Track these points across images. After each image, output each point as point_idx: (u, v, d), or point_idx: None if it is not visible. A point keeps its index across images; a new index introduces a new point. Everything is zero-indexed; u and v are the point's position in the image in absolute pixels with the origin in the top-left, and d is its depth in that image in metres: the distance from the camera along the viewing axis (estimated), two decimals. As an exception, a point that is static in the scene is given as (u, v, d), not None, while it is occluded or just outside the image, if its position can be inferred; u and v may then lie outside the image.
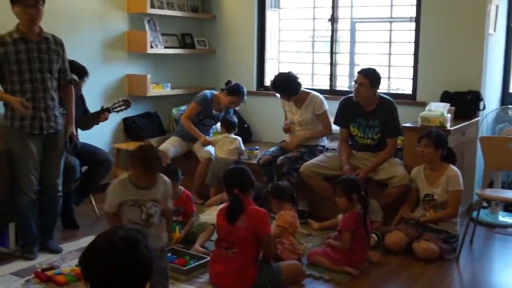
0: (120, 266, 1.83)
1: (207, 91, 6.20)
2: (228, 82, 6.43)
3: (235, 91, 6.07)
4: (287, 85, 5.63)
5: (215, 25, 7.30)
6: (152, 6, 6.41)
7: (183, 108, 6.70)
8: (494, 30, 6.05)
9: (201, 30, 7.34)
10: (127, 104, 5.41)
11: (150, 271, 1.92)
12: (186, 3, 7.03)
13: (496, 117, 5.87)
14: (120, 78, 6.38)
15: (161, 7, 6.61)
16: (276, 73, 5.92)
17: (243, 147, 6.00)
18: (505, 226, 5.48)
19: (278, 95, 5.80)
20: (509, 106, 5.99)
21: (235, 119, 6.19)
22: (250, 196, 3.99)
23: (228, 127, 6.02)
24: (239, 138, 6.00)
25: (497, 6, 6.03)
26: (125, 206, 3.30)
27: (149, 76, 6.39)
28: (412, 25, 6.24)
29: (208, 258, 4.11)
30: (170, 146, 5.94)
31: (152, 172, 3.34)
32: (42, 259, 4.34)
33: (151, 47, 6.41)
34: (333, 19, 6.70)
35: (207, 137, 6.05)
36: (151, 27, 6.57)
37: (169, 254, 4.22)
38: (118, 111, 5.42)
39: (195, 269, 4.11)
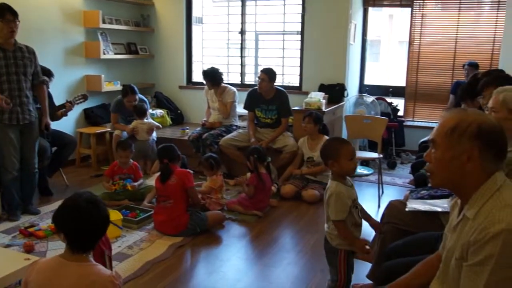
0: (86, 219, 1.84)
1: (116, 99, 5.81)
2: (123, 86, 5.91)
3: (123, 92, 5.70)
4: (213, 75, 5.68)
5: (154, 36, 7.22)
6: (104, 22, 6.25)
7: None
8: (354, 41, 6.35)
9: (143, 40, 7.23)
10: (85, 97, 5.29)
11: (107, 223, 1.94)
12: (130, 20, 6.91)
13: (355, 102, 6.16)
14: (80, 78, 6.21)
15: (110, 23, 6.45)
16: (208, 67, 5.87)
17: (155, 123, 5.76)
18: (361, 175, 5.79)
19: (204, 82, 5.77)
20: (364, 94, 6.29)
21: (144, 106, 5.67)
22: (176, 164, 4.06)
23: (139, 114, 5.60)
24: (150, 120, 5.76)
25: (355, 25, 6.33)
26: (351, 210, 2.54)
27: (103, 76, 6.27)
28: (298, 37, 6.41)
29: (153, 211, 4.15)
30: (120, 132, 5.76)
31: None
32: (25, 220, 4.21)
33: (104, 53, 6.27)
34: (242, 32, 6.80)
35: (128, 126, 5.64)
36: (103, 38, 6.42)
37: (123, 210, 4.30)
38: (78, 103, 5.28)
39: (143, 220, 4.15)
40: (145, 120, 5.66)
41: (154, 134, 5.79)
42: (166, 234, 3.93)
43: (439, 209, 2.77)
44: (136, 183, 4.76)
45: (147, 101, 5.93)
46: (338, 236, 2.57)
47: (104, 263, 2.56)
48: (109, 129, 6.16)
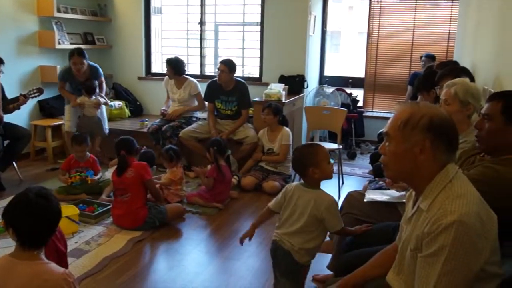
0: (37, 214, 1.81)
1: (64, 66, 5.57)
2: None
3: (69, 54, 5.30)
4: (177, 64, 5.63)
5: (112, 26, 7.05)
6: (59, 11, 6.05)
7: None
8: (313, 32, 6.38)
9: (100, 30, 7.04)
10: (40, 91, 5.14)
11: (59, 218, 1.90)
12: (87, 9, 6.72)
13: (315, 93, 6.21)
14: (34, 68, 5.99)
15: (66, 12, 6.25)
16: (169, 57, 5.77)
17: (103, 100, 5.50)
18: (323, 167, 5.85)
19: (167, 70, 5.65)
20: (324, 85, 6.35)
21: (94, 85, 5.38)
22: (134, 157, 4.00)
23: (87, 91, 5.33)
24: (97, 97, 5.39)
25: (315, 16, 6.36)
26: None
27: (58, 66, 6.04)
28: (258, 28, 6.40)
29: (111, 205, 4.08)
30: (69, 123, 5.57)
31: None
32: (-25, 216, 4.07)
33: (59, 43, 6.06)
34: (202, 23, 6.74)
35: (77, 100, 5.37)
36: (58, 27, 6.21)
37: (80, 204, 4.19)
38: (33, 97, 5.13)
39: (101, 214, 4.08)
40: (92, 98, 5.40)
41: (106, 119, 5.65)
42: (124, 228, 3.86)
43: (396, 200, 2.82)
44: (96, 177, 4.68)
45: (99, 68, 5.61)
46: (308, 252, 2.48)
47: (58, 260, 2.50)
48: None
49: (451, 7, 6.38)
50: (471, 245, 1.40)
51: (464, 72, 3.21)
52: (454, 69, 3.24)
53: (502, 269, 1.50)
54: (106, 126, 5.67)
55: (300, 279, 2.54)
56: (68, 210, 3.81)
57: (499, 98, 2.01)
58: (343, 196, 4.62)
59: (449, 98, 2.61)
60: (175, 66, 5.63)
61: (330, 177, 2.52)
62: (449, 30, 6.39)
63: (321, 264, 2.98)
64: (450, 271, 1.41)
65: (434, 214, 1.47)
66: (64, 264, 2.52)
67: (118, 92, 6.90)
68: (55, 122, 5.93)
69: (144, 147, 4.58)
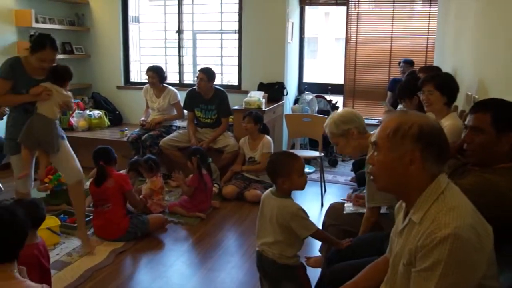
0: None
1: (11, 59, 3.36)
2: (32, 35, 3.38)
3: (37, 45, 3.28)
4: (162, 71, 5.57)
5: (90, 36, 6.88)
6: (37, 21, 5.87)
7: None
8: (291, 39, 6.33)
9: (78, 39, 6.87)
10: None
11: (24, 238, 1.80)
12: (65, 19, 6.57)
13: (295, 100, 6.16)
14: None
15: (44, 22, 6.07)
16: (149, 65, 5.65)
17: (72, 103, 3.71)
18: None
19: (151, 78, 5.50)
20: (305, 92, 6.29)
21: (70, 71, 3.61)
22: (113, 167, 3.89)
23: (60, 78, 3.51)
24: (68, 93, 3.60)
25: (292, 23, 6.31)
26: None
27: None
28: (236, 35, 6.32)
29: (92, 216, 3.93)
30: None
31: None
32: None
33: (38, 54, 5.92)
34: (180, 31, 6.64)
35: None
36: (37, 38, 6.07)
37: (61, 215, 4.07)
38: None
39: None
40: (65, 92, 3.55)
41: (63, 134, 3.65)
42: (106, 240, 3.75)
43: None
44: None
45: None
46: (292, 257, 2.40)
47: (41, 276, 2.38)
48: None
49: (429, 13, 6.36)
50: (467, 259, 1.33)
51: (445, 78, 3.13)
52: (435, 76, 3.16)
53: (499, 282, 1.43)
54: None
55: (299, 281, 2.43)
56: (49, 221, 3.66)
57: (486, 109, 1.93)
58: (326, 204, 4.59)
59: (332, 138, 2.74)
60: (161, 73, 5.55)
61: (301, 189, 2.43)
62: (428, 35, 6.37)
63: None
64: (446, 286, 1.34)
65: (427, 227, 1.39)
66: (47, 281, 2.41)
67: (97, 101, 6.75)
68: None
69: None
